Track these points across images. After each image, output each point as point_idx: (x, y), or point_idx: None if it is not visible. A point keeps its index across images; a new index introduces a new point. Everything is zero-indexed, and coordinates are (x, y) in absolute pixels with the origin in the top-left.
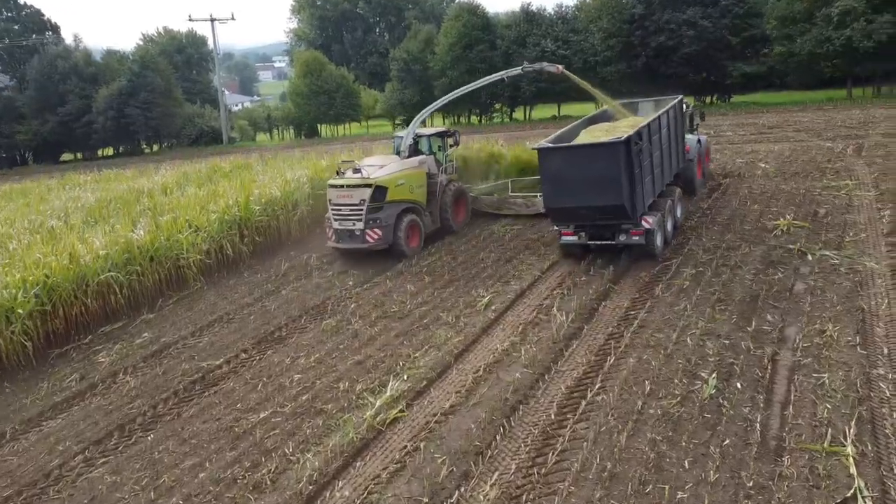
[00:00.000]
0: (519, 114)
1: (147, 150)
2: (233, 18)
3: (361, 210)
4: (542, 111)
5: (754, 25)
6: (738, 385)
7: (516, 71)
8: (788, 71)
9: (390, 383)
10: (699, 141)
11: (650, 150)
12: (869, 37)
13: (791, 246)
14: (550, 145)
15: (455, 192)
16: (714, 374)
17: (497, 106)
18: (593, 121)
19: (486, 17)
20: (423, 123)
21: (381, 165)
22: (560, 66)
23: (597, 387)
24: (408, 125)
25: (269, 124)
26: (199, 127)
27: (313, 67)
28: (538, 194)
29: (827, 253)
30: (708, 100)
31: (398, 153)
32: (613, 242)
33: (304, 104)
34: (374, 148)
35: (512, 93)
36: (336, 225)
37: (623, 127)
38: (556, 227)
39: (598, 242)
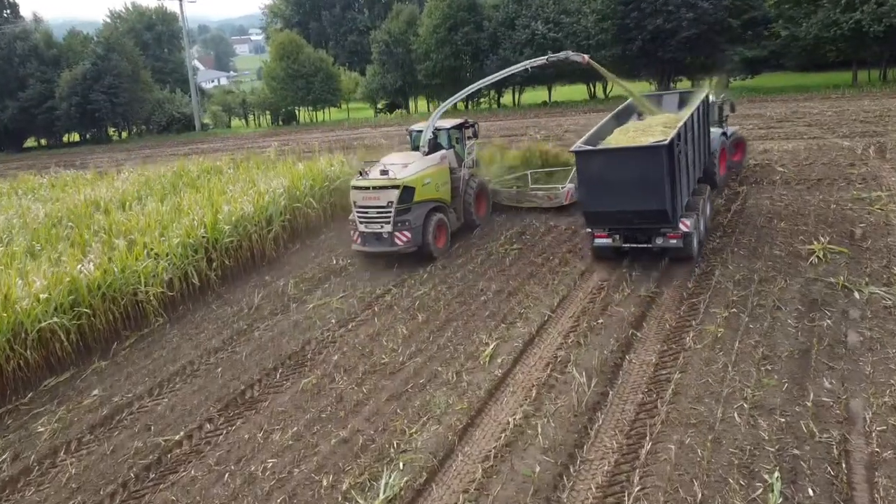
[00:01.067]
0: (507, 98)
1: (115, 137)
2: None
3: (389, 212)
4: (532, 95)
5: (755, 7)
6: (810, 491)
7: (541, 61)
8: (792, 55)
9: (383, 476)
10: (724, 134)
11: (685, 150)
12: (879, 20)
13: (832, 280)
14: (589, 148)
15: (477, 187)
16: (777, 473)
17: (483, 90)
18: (619, 116)
19: None
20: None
21: (404, 164)
22: (586, 56)
23: (635, 488)
24: (390, 110)
25: (244, 110)
26: (170, 113)
27: (289, 50)
28: (561, 186)
29: (876, 291)
30: (707, 84)
31: (415, 148)
32: (650, 246)
33: (281, 89)
34: (358, 139)
35: (501, 65)
36: (362, 228)
37: (657, 126)
38: (588, 230)
39: (634, 245)
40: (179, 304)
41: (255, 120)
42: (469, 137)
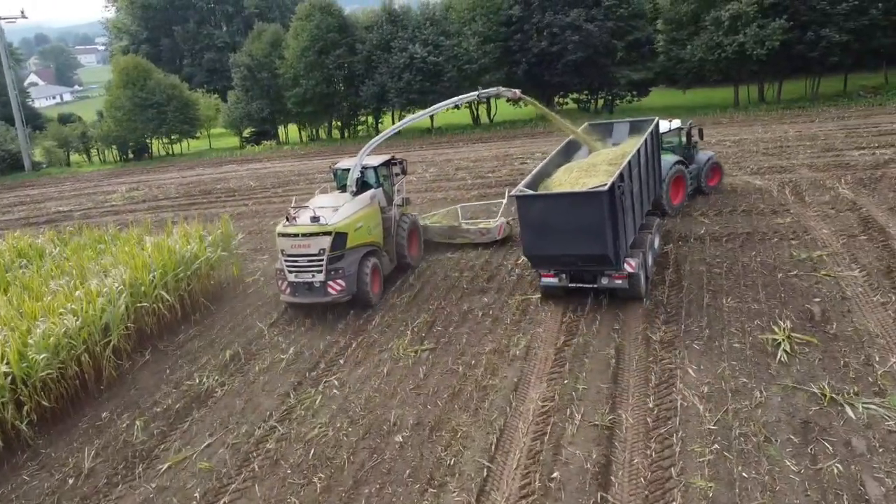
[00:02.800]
0: (387, 123)
1: None
2: (24, 16)
3: (321, 260)
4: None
5: (638, 28)
6: None
7: (472, 96)
8: (678, 76)
9: None
10: (682, 162)
11: (631, 188)
12: (762, 43)
13: (815, 388)
14: (530, 192)
15: (409, 226)
16: None
17: (361, 117)
18: (569, 149)
19: (342, 17)
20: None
21: (334, 207)
22: (517, 91)
23: None
24: (257, 142)
25: (86, 144)
26: None
27: (135, 76)
28: (493, 220)
29: (871, 406)
30: (592, 107)
31: (341, 188)
32: (595, 286)
33: (127, 120)
34: (222, 180)
35: (378, 102)
36: (291, 277)
37: (602, 164)
38: (535, 269)
39: (580, 285)
40: None
41: (99, 155)
42: (397, 174)
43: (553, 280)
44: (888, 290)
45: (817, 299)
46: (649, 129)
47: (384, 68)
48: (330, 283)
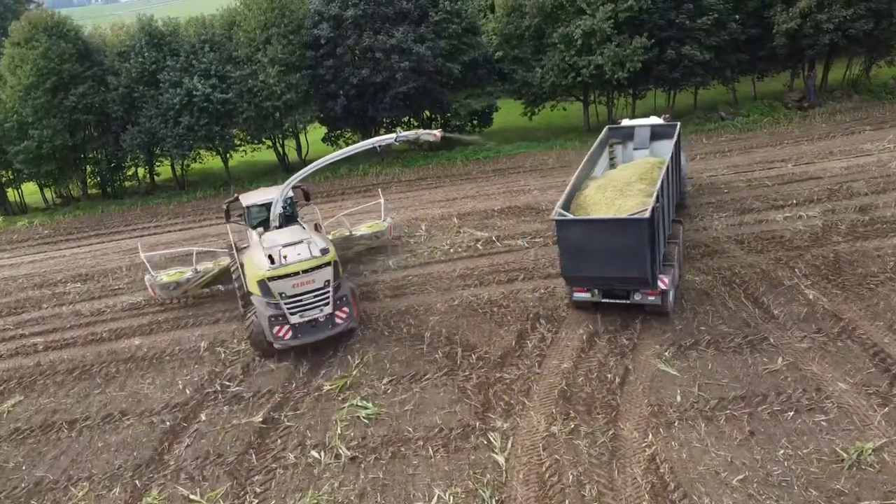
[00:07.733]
0: (166, 171)
1: None
2: None
3: (328, 292)
4: (208, 160)
5: (473, 45)
6: None
7: (389, 139)
8: (526, 100)
9: None
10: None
11: (664, 204)
12: (622, 65)
13: None
14: (569, 217)
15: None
16: None
17: (129, 170)
18: (593, 160)
19: (80, 41)
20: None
21: (307, 240)
22: (438, 133)
23: None
24: None
25: None
26: None
27: None
28: (383, 221)
29: None
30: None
31: (259, 225)
32: (628, 301)
33: None
34: None
35: (147, 153)
36: (295, 319)
37: (634, 181)
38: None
39: (612, 301)
40: None
41: None
42: (297, 202)
43: (586, 295)
44: None
45: None
46: (675, 134)
47: (153, 109)
48: (337, 313)
